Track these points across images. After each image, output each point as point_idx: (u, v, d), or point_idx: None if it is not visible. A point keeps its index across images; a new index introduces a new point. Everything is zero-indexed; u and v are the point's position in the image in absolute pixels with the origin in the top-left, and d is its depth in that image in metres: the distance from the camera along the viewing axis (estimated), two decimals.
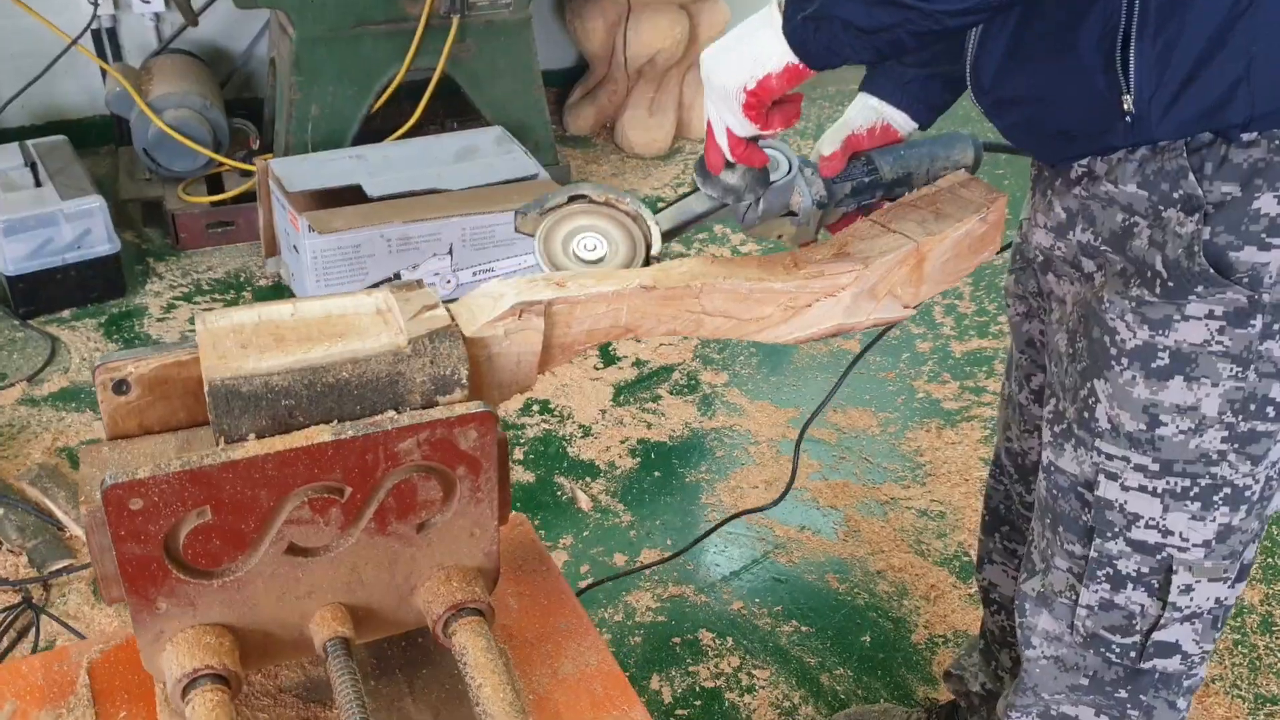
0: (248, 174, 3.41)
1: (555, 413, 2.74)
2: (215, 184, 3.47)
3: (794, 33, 1.14)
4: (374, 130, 3.37)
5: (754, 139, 1.25)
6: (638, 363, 2.93)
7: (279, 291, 3.15)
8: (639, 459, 2.61)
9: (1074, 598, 1.35)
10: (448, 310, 1.15)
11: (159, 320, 3.02)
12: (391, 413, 1.10)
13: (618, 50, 3.76)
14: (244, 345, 1.08)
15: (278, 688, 1.23)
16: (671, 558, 2.07)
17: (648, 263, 1.29)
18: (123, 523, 1.02)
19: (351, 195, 3.01)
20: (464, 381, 1.12)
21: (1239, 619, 2.27)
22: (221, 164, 3.35)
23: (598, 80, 3.95)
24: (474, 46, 3.30)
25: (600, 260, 1.29)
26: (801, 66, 1.16)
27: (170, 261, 3.29)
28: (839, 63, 1.16)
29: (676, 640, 2.16)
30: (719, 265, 1.27)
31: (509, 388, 1.20)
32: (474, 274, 3.15)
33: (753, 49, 1.17)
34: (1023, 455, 1.62)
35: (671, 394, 2.84)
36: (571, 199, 1.30)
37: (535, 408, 2.75)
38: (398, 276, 3.06)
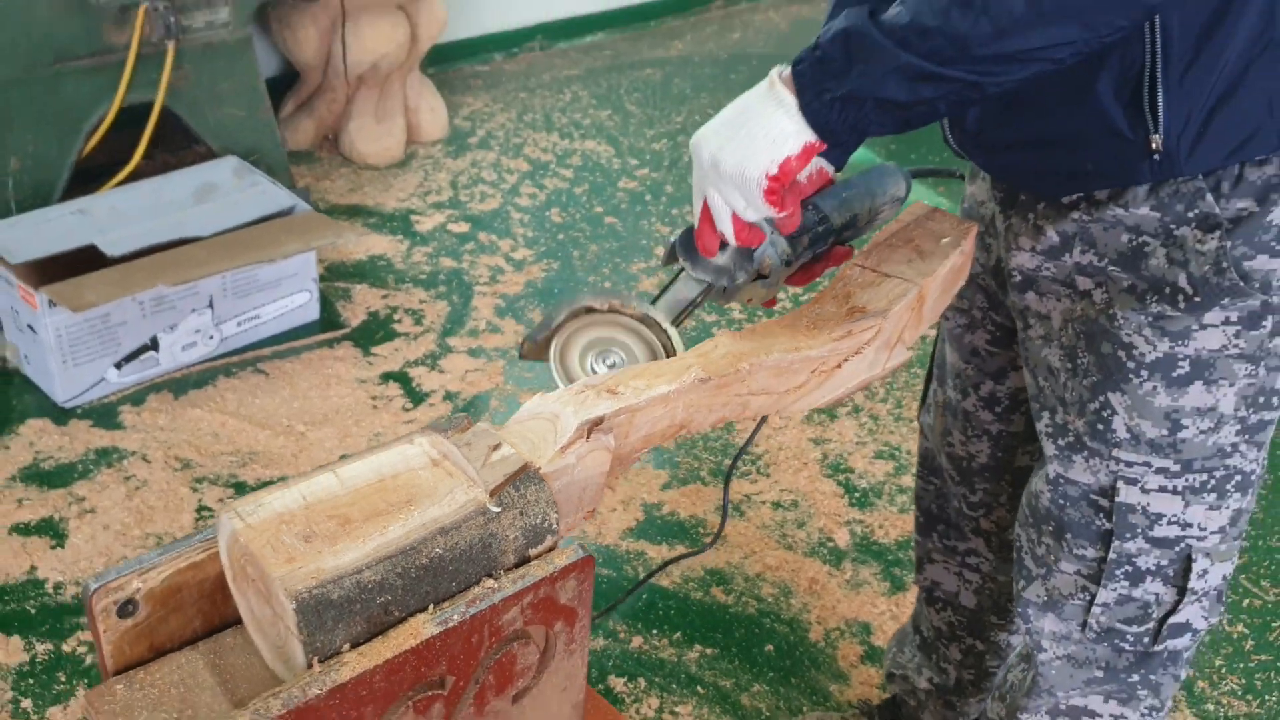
0: None
1: None
2: None
3: (816, 114, 1.08)
4: (82, 173, 2.97)
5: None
6: (448, 395, 2.76)
7: (6, 379, 2.73)
8: None
9: (1087, 598, 1.38)
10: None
11: None
12: (489, 581, 0.95)
13: (334, 57, 3.50)
14: (307, 538, 0.90)
15: None
16: (600, 615, 1.96)
17: None
18: None
19: (76, 255, 2.64)
20: (555, 527, 0.98)
21: None
22: None
23: (312, 90, 3.66)
24: (191, 72, 2.97)
25: None
26: (818, 144, 1.10)
27: None
28: (860, 139, 1.11)
29: None
30: (749, 340, 1.18)
31: (575, 517, 1.06)
32: (239, 324, 2.87)
33: (766, 132, 1.10)
34: (969, 459, 1.63)
35: (496, 424, 2.69)
36: (572, 314, 1.18)
37: None
38: (154, 341, 2.73)
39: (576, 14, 4.57)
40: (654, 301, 1.25)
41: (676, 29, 4.86)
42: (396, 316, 3.03)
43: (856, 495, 2.56)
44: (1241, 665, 2.23)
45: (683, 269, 1.25)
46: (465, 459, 0.97)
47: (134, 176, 2.98)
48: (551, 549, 0.99)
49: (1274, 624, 2.33)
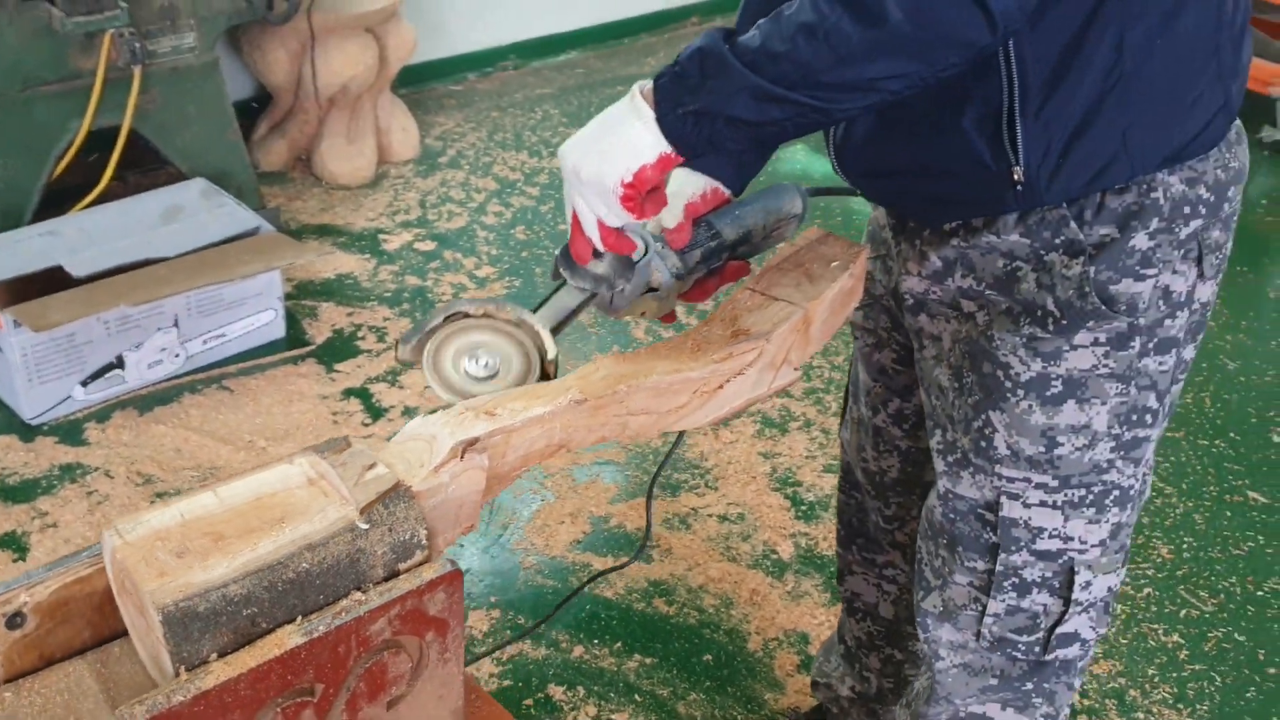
0: None
1: None
2: None
3: (671, 127, 1.13)
4: (53, 195, 3.04)
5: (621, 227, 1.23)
6: (407, 410, 2.82)
7: None
8: None
9: (979, 609, 1.43)
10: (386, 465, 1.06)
11: None
12: (357, 594, 1.00)
13: (305, 80, 3.57)
14: (180, 554, 0.95)
15: None
16: (533, 629, 2.01)
17: (544, 370, 1.24)
18: None
19: (47, 276, 2.71)
20: (424, 543, 1.04)
21: None
22: None
23: (285, 112, 3.73)
24: (159, 96, 3.04)
25: (494, 375, 1.23)
26: (675, 155, 1.15)
27: None
28: (715, 152, 1.16)
29: (529, 702, 2.12)
30: (630, 362, 1.24)
31: (452, 533, 1.12)
32: (204, 342, 2.93)
33: (624, 141, 1.15)
34: (881, 474, 1.68)
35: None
36: (448, 319, 1.23)
37: None
38: (119, 360, 2.79)
39: (550, 32, 4.64)
40: (535, 310, 1.30)
41: (651, 45, 4.93)
42: (360, 334, 3.09)
43: (803, 508, 2.61)
44: (1174, 675, 2.28)
45: (565, 281, 1.31)
46: (340, 479, 1.03)
47: (105, 198, 3.05)
48: (422, 564, 1.04)
49: (1209, 634, 2.37)
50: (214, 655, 0.94)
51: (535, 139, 4.11)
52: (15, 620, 0.99)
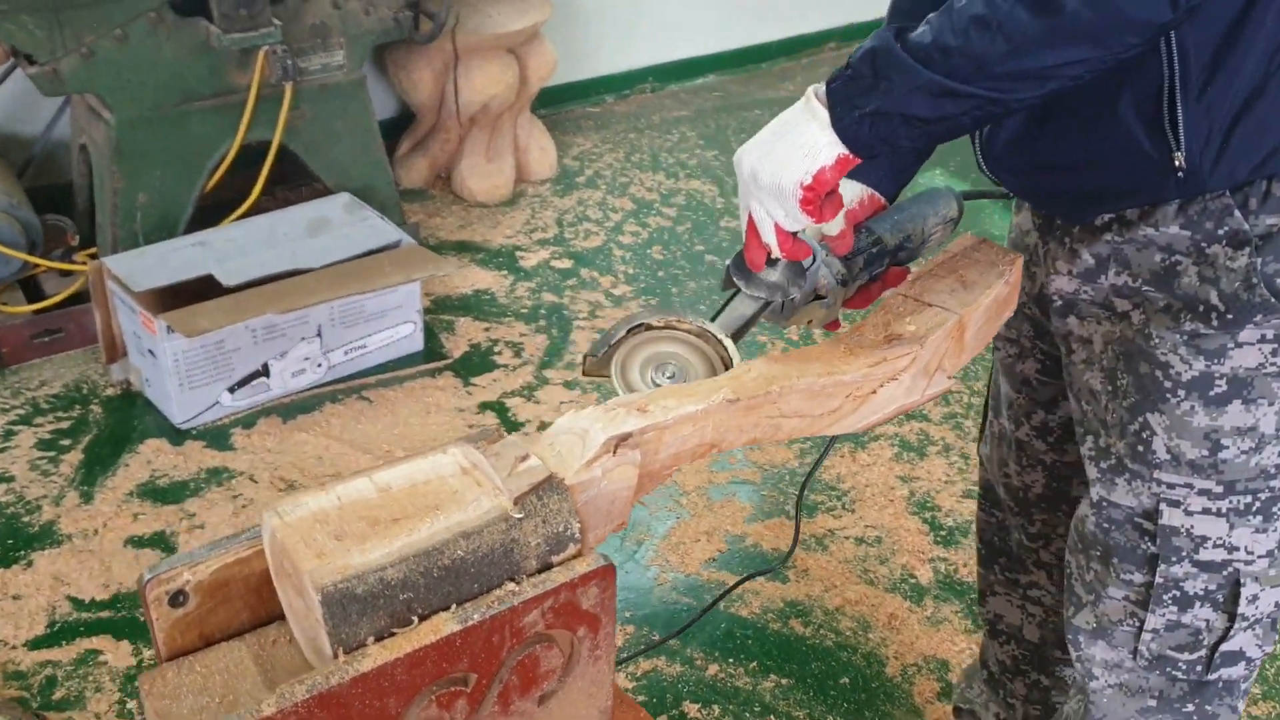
0: (68, 274, 3.13)
1: None
2: (31, 287, 3.16)
3: (847, 129, 1.12)
4: (205, 208, 3.14)
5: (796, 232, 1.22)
6: (543, 425, 2.84)
7: (130, 400, 2.89)
8: None
9: (1137, 624, 1.36)
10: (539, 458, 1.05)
11: None
12: (510, 585, 0.99)
13: (447, 99, 3.63)
14: (338, 537, 0.96)
15: None
16: (675, 634, 1.98)
17: None
18: None
19: (199, 285, 2.80)
20: (577, 535, 1.03)
21: None
22: (38, 266, 3.06)
23: (427, 130, 3.80)
24: (309, 112, 3.12)
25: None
26: (852, 157, 1.13)
27: None
28: (891, 151, 1.15)
29: (664, 719, 2.09)
30: (783, 364, 1.21)
31: (604, 529, 1.11)
32: (346, 353, 2.99)
33: (801, 144, 1.14)
34: (1025, 489, 1.63)
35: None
36: (631, 331, 1.24)
37: None
38: (265, 368, 2.86)
39: (688, 56, 4.65)
40: (712, 319, 1.30)
41: (789, 70, 4.90)
42: (497, 349, 3.12)
43: (942, 533, 2.54)
44: None
45: (739, 290, 1.30)
46: (493, 469, 1.02)
47: (254, 212, 3.14)
48: (574, 557, 1.03)
49: None
50: (371, 639, 0.94)
51: (672, 160, 4.12)
52: (178, 599, 1.00)
